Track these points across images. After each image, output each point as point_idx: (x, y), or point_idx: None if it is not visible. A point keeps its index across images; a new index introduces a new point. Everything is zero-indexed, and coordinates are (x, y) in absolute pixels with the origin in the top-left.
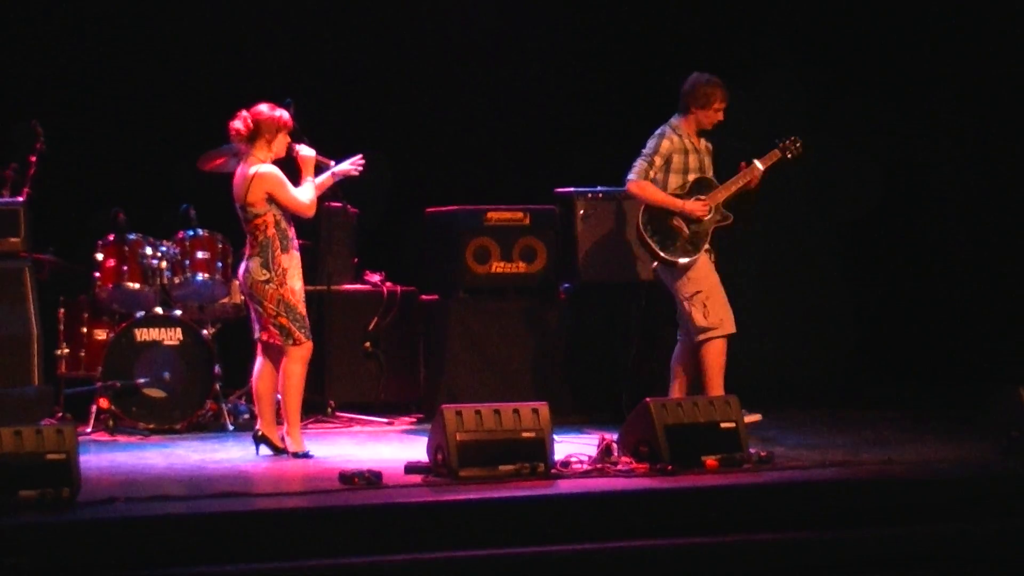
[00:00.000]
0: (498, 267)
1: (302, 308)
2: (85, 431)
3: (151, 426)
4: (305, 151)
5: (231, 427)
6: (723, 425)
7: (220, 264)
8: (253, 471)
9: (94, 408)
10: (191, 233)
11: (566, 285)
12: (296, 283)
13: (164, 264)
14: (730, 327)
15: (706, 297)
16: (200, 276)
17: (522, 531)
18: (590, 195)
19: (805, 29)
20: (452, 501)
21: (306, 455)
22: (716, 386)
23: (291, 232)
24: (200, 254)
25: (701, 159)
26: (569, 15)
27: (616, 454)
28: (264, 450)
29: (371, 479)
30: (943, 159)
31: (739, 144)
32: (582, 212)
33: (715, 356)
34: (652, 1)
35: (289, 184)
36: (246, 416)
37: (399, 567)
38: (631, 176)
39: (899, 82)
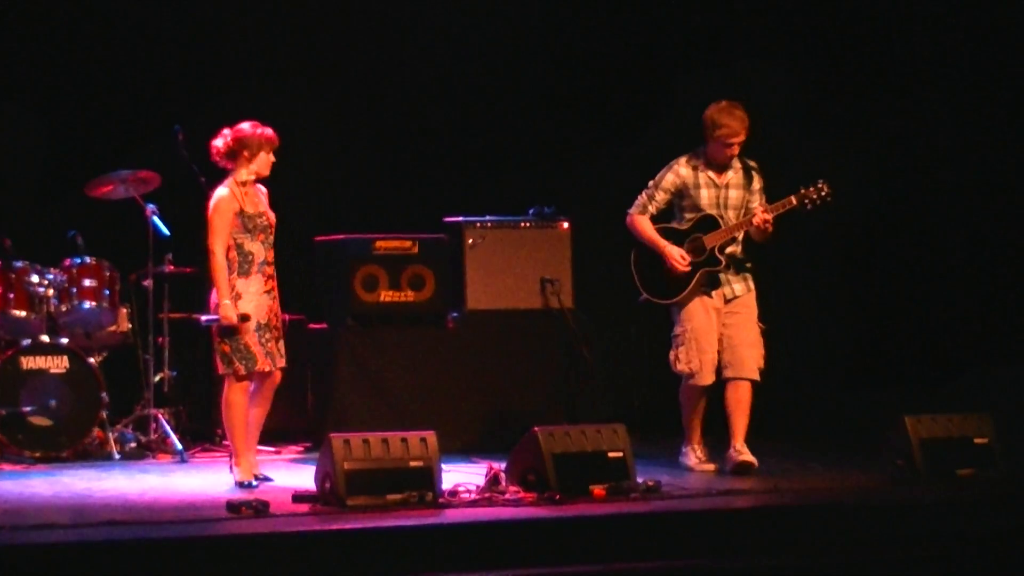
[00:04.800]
0: (387, 295)
1: (248, 338)
2: None
3: (37, 454)
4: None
5: (117, 455)
6: (611, 454)
7: (107, 291)
8: (140, 500)
9: None
10: (78, 260)
11: (454, 314)
12: (249, 308)
13: (51, 291)
14: (702, 379)
15: (683, 342)
16: (87, 304)
17: (410, 560)
18: (479, 224)
19: (801, 25)
20: (339, 530)
21: (248, 485)
22: (690, 433)
23: (258, 256)
24: (87, 281)
25: (720, 194)
26: (461, 42)
27: (504, 483)
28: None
29: (258, 508)
30: (941, 159)
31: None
32: (471, 241)
33: (685, 399)
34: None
35: (225, 220)
36: (132, 444)
37: None
38: (630, 209)
39: (898, 80)
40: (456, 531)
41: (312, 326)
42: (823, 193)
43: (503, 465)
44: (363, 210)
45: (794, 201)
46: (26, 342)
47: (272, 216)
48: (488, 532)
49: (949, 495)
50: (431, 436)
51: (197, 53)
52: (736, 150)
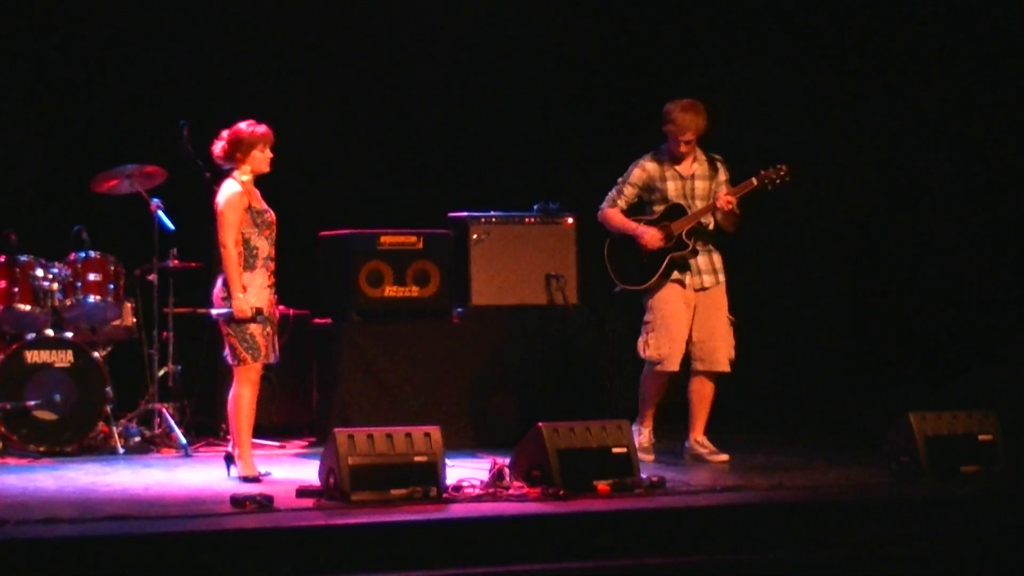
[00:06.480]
0: (391, 291)
1: (254, 328)
2: None
3: (41, 448)
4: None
5: (122, 450)
6: (615, 450)
7: (112, 286)
8: (144, 494)
9: None
10: (83, 255)
11: (459, 309)
12: (253, 301)
13: (56, 286)
14: (670, 365)
15: (653, 328)
16: (92, 298)
17: (414, 555)
18: (483, 219)
19: (801, 25)
20: (344, 525)
21: (255, 479)
22: (644, 414)
23: (262, 251)
24: (92, 276)
25: (686, 185)
26: (467, 38)
27: (508, 478)
28: (235, 471)
29: (263, 503)
30: (941, 159)
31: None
32: (475, 236)
33: (647, 385)
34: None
35: (236, 215)
36: (137, 439)
37: None
38: (601, 205)
39: (897, 80)
40: (460, 526)
41: (316, 321)
42: (782, 174)
43: (507, 460)
44: (368, 205)
45: (755, 182)
46: (31, 336)
47: (272, 213)
48: (492, 528)
49: (953, 492)
50: (435, 431)
51: (202, 48)
52: (685, 148)
